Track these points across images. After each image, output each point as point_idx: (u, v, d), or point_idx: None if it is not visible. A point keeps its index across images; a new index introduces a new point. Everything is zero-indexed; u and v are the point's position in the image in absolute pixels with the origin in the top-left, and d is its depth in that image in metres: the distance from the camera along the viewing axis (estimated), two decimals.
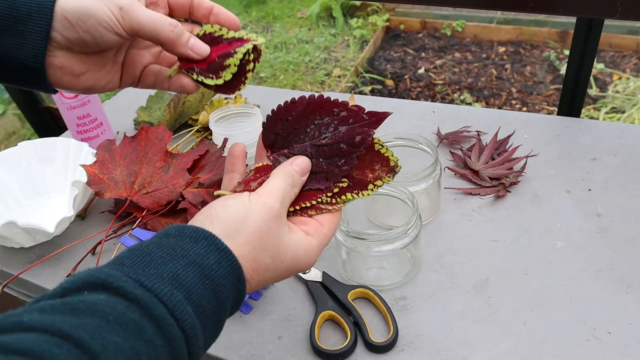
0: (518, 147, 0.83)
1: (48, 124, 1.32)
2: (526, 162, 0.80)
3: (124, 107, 1.10)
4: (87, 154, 0.82)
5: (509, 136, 0.85)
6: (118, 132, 1.00)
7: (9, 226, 0.69)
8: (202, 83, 0.49)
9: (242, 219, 0.41)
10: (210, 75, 0.48)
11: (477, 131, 0.87)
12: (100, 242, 0.74)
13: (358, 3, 3.27)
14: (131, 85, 0.52)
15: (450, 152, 0.84)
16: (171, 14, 0.50)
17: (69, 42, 0.44)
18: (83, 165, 0.78)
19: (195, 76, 0.49)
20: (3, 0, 0.43)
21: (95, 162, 0.80)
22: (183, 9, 0.50)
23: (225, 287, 0.38)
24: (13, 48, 0.43)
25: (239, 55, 0.47)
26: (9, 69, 0.45)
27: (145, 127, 0.82)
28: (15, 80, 0.46)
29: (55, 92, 0.49)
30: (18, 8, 0.43)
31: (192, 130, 0.96)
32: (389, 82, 2.69)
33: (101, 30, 0.44)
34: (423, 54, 2.86)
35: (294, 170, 0.46)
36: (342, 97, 1.01)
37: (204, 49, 0.47)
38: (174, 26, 0.45)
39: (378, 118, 0.47)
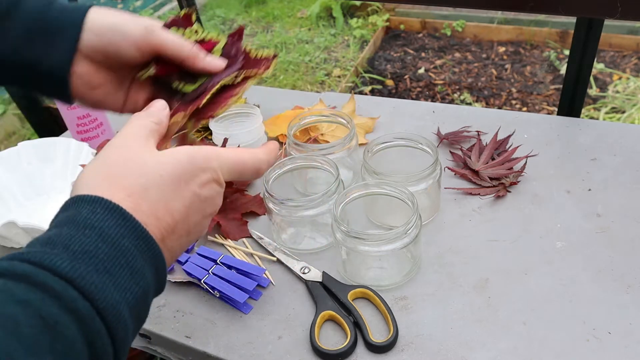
0: (518, 147, 0.83)
1: (48, 124, 1.32)
2: (526, 162, 0.80)
3: None
4: (87, 154, 0.82)
5: (509, 136, 0.85)
6: (117, 132, 1.00)
7: (8, 226, 0.69)
8: (181, 91, 0.50)
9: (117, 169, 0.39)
10: (190, 80, 0.50)
11: (477, 131, 0.87)
12: None
13: (358, 3, 3.27)
14: (132, 112, 0.53)
15: (450, 152, 0.84)
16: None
17: (93, 51, 0.47)
18: (83, 166, 0.78)
19: (175, 83, 0.50)
20: (35, 11, 0.45)
21: None
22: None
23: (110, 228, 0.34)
24: (41, 56, 0.46)
25: (218, 86, 0.49)
26: (35, 76, 0.47)
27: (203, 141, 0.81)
28: (40, 88, 0.48)
29: (73, 102, 0.50)
30: (50, 21, 0.45)
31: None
32: (389, 82, 2.69)
33: (124, 45, 0.47)
34: (423, 54, 2.86)
35: (144, 112, 0.46)
36: (342, 97, 1.01)
37: (219, 64, 0.51)
38: (192, 44, 0.49)
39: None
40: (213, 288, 0.65)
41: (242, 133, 0.85)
